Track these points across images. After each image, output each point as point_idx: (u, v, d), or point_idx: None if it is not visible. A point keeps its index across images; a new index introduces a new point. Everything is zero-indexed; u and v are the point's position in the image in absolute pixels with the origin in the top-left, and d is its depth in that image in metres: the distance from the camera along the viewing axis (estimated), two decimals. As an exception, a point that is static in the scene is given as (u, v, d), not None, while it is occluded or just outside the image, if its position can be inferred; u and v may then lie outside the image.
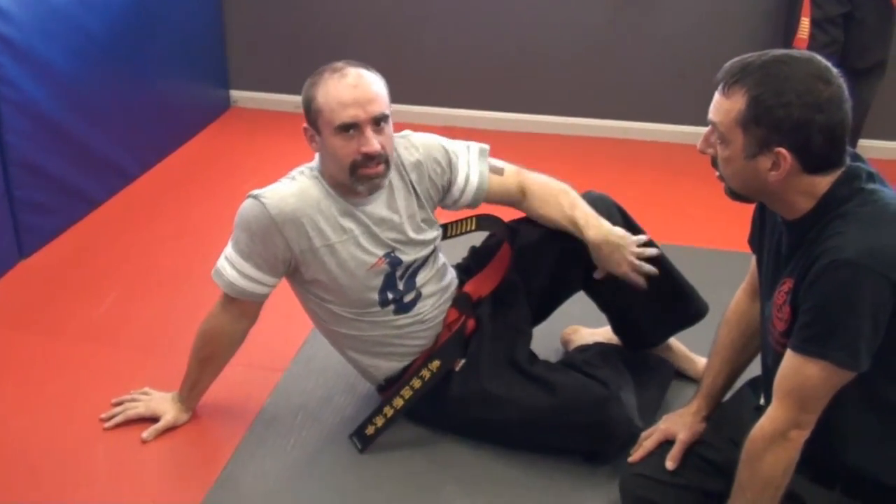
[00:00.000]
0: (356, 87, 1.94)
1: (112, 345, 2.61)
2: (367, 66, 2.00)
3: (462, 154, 2.19)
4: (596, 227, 2.13)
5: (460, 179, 2.18)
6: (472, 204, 2.23)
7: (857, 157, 1.62)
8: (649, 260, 2.15)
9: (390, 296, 2.12)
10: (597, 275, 2.19)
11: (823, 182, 1.56)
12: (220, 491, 2.08)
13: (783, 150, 1.52)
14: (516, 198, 2.23)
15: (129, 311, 2.79)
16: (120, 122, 3.51)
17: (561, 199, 2.19)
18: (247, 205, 2.02)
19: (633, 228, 2.22)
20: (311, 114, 1.97)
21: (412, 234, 2.11)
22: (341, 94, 1.93)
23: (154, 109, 3.77)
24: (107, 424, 2.25)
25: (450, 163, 2.17)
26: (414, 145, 2.15)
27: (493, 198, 2.24)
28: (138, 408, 2.27)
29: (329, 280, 2.07)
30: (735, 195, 1.66)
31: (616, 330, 2.39)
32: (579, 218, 2.15)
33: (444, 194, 2.19)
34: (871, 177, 1.59)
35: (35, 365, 2.52)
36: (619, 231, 2.14)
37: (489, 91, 4.23)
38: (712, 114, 1.60)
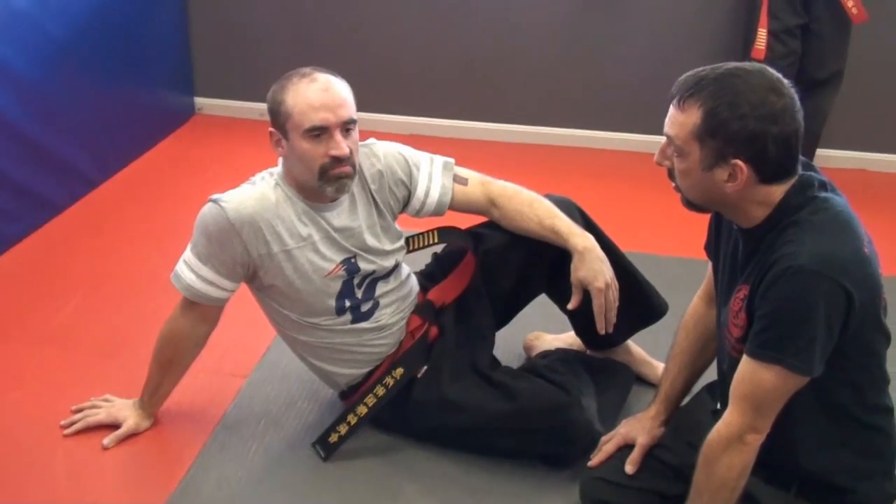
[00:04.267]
0: (326, 91, 1.95)
1: (73, 350, 2.59)
2: (334, 73, 2.01)
3: (424, 166, 2.19)
4: (581, 235, 2.12)
5: (420, 192, 2.18)
6: (436, 214, 2.23)
7: (808, 167, 1.65)
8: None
9: (347, 303, 2.12)
10: (570, 304, 2.14)
11: (778, 191, 1.59)
12: (181, 497, 2.07)
13: (739, 162, 1.55)
14: (484, 207, 2.23)
15: (90, 317, 2.77)
16: (82, 128, 3.48)
17: (536, 209, 2.16)
18: (206, 208, 2.02)
19: (594, 229, 2.24)
20: (280, 117, 1.97)
21: (371, 242, 2.11)
22: (311, 97, 1.94)
23: (117, 115, 3.73)
24: (67, 431, 2.23)
25: (410, 174, 2.17)
26: (376, 155, 2.15)
27: (458, 208, 2.24)
28: (99, 414, 2.26)
29: (285, 285, 2.07)
30: (691, 205, 1.69)
31: (578, 331, 2.40)
32: (561, 227, 2.12)
33: (404, 205, 2.20)
34: (823, 185, 1.62)
35: (-6, 371, 2.49)
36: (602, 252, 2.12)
37: (454, 100, 4.24)
38: (668, 127, 1.62)
